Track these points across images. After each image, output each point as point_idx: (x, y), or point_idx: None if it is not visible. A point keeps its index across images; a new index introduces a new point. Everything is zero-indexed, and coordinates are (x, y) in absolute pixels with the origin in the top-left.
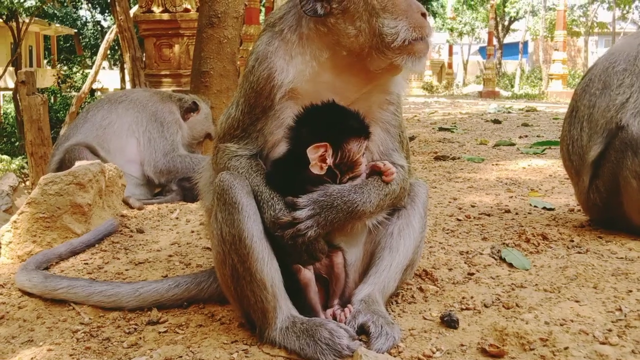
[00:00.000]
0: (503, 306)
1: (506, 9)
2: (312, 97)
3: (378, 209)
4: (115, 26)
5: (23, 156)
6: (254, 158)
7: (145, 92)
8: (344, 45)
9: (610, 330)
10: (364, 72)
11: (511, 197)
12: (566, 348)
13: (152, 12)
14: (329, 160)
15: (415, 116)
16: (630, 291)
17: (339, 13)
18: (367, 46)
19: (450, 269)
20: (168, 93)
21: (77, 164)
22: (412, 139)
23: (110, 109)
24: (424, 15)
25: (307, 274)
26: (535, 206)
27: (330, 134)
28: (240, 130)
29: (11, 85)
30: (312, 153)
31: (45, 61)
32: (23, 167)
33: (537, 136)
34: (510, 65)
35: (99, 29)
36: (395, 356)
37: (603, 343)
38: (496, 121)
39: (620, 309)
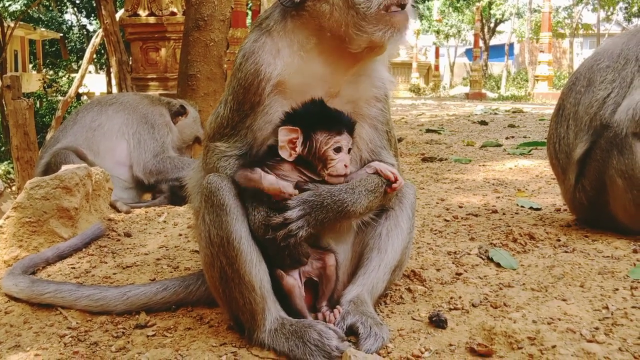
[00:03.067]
0: (491, 306)
1: (492, 11)
2: (300, 90)
3: (367, 209)
4: (101, 30)
5: (9, 161)
6: (243, 158)
7: (135, 96)
8: (325, 27)
9: (597, 328)
10: (348, 54)
11: (498, 197)
12: (554, 346)
13: (138, 15)
14: (299, 148)
15: (403, 118)
16: (617, 289)
17: None
18: (344, 23)
19: (438, 270)
20: (157, 96)
21: (64, 167)
22: (400, 140)
23: (100, 111)
24: None
25: (290, 280)
26: (522, 206)
27: (302, 120)
28: (229, 129)
29: None
30: (282, 135)
31: (30, 65)
32: (9, 172)
33: (524, 137)
34: (496, 67)
35: (85, 33)
36: (384, 356)
37: (590, 341)
38: (483, 122)
39: (607, 307)
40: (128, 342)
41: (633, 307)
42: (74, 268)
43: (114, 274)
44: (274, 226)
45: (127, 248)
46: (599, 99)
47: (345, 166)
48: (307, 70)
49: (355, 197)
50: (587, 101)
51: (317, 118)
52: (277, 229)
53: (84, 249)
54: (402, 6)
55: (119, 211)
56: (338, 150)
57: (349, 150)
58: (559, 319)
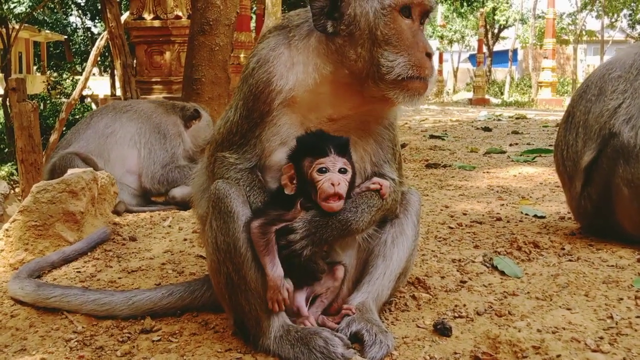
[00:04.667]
0: (496, 314)
1: (496, 17)
2: (309, 107)
3: (370, 224)
4: (105, 33)
5: (12, 163)
6: (254, 171)
7: (150, 104)
8: (346, 66)
9: (601, 338)
10: (360, 94)
11: (502, 204)
12: (558, 356)
13: (143, 18)
14: (295, 182)
15: (406, 123)
16: (621, 299)
17: (345, 35)
18: (365, 73)
19: (442, 277)
20: (172, 104)
21: (70, 171)
22: (403, 146)
23: (115, 118)
24: (429, 55)
25: (297, 298)
26: (526, 214)
27: (292, 154)
28: (239, 136)
29: (0, 91)
30: (282, 174)
31: (35, 67)
32: (12, 174)
33: (527, 144)
34: (500, 73)
35: (89, 35)
36: None
37: (595, 351)
38: (486, 129)
39: (611, 317)
40: (133, 346)
41: (637, 316)
42: (79, 272)
43: (119, 278)
44: (278, 246)
45: (132, 252)
46: (610, 109)
47: (333, 184)
48: (319, 91)
49: (358, 216)
50: (597, 110)
51: (302, 147)
52: (282, 248)
53: (89, 253)
54: (424, 78)
55: (118, 213)
56: (322, 171)
57: (344, 170)
58: (564, 328)
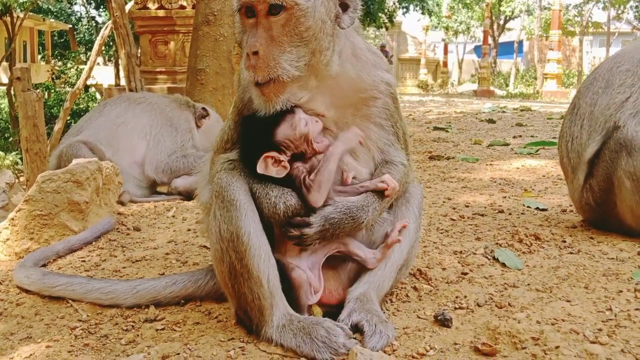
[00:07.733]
0: (496, 305)
1: (501, 8)
2: None
3: (379, 214)
4: (110, 22)
5: (17, 152)
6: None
7: (164, 98)
8: None
9: (600, 329)
10: None
11: (505, 197)
12: (557, 347)
13: (147, 8)
14: (284, 158)
15: (410, 115)
16: (621, 291)
17: None
18: None
19: (444, 269)
20: (185, 100)
21: (75, 161)
22: None
23: (127, 108)
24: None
25: (301, 274)
26: (528, 206)
27: (263, 144)
28: (230, 144)
29: (5, 80)
30: (262, 168)
31: (39, 56)
32: (17, 163)
33: (531, 136)
34: (505, 65)
35: (94, 24)
36: (389, 354)
37: (593, 342)
38: (490, 121)
39: (610, 309)
40: (137, 335)
41: (636, 309)
42: (84, 261)
43: (124, 267)
44: (290, 236)
45: (137, 242)
46: (617, 102)
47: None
48: None
49: (369, 215)
50: (604, 103)
51: (268, 128)
52: (292, 238)
53: (94, 243)
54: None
55: (123, 203)
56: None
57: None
58: (563, 320)
